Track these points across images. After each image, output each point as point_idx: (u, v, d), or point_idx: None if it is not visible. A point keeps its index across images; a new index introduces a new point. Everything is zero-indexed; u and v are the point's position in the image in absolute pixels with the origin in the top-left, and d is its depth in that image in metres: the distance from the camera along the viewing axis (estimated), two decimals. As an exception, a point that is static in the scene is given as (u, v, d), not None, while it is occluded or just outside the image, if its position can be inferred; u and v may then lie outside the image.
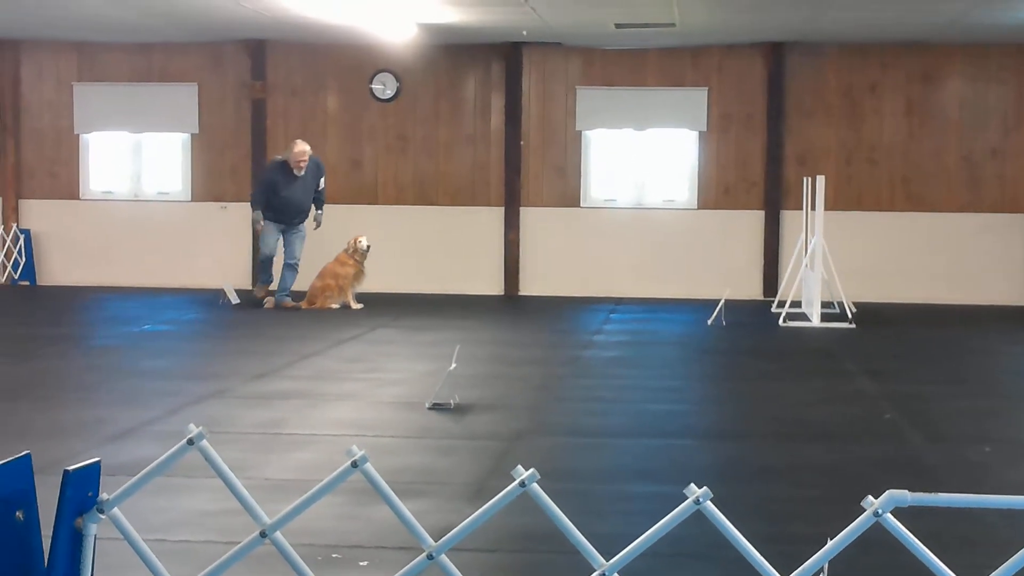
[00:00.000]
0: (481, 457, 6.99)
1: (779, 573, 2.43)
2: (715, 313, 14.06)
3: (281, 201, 15.17)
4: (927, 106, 17.10)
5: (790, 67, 17.17)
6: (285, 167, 15.15)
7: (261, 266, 15.59)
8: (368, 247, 15.41)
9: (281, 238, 15.41)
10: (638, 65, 17.44)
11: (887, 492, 2.17)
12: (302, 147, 15.20)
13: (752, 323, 14.30)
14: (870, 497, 2.20)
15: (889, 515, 2.20)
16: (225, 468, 2.45)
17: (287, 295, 15.32)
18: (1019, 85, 16.91)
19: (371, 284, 16.83)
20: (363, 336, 12.72)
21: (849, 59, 17.09)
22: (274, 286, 15.47)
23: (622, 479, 6.66)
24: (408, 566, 2.41)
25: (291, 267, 15.40)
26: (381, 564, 4.85)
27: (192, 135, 18.13)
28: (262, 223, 15.28)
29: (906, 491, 2.18)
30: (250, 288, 16.27)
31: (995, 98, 16.99)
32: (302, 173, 15.15)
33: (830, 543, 2.25)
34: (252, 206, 15.52)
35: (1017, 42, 16.59)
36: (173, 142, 18.27)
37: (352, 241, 15.41)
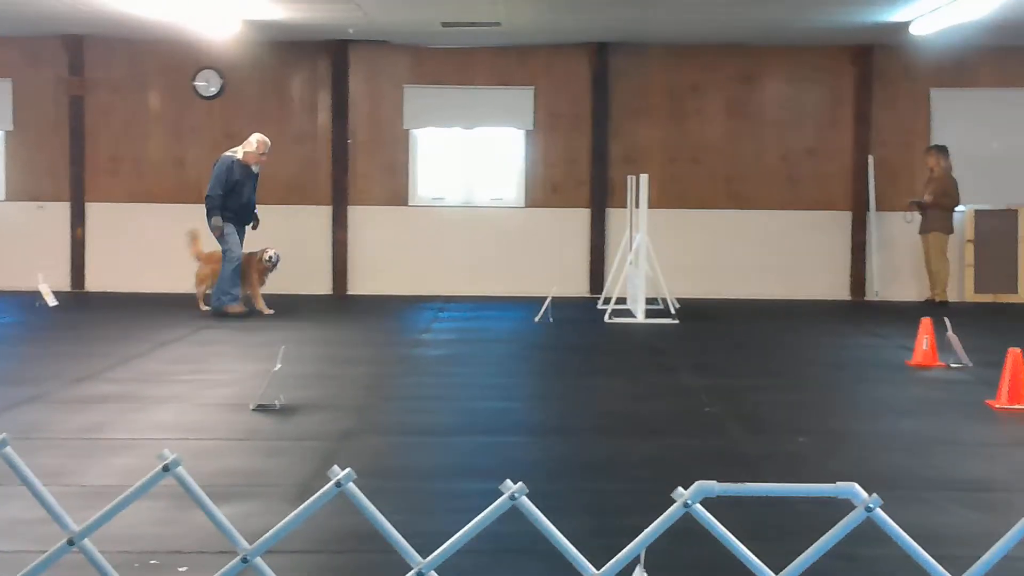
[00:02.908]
0: (308, 458, 6.92)
1: (601, 566, 2.45)
2: (542, 310, 14.19)
3: (242, 202, 14.31)
4: (747, 106, 17.53)
5: (615, 67, 17.43)
6: (241, 165, 14.27)
7: (232, 277, 14.24)
8: (270, 258, 14.61)
9: None
10: (466, 64, 17.49)
11: (696, 483, 2.22)
12: (265, 141, 14.47)
13: (579, 319, 14.46)
14: (680, 488, 2.24)
15: (699, 506, 2.24)
16: (29, 474, 2.37)
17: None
18: (834, 86, 17.46)
19: (192, 284, 16.55)
20: (188, 337, 12.49)
21: (672, 60, 17.41)
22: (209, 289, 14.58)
23: (451, 477, 6.67)
24: (222, 570, 2.37)
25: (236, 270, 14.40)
26: (201, 569, 4.76)
27: (7, 132, 17.55)
28: (224, 228, 14.14)
29: (714, 482, 2.23)
30: (71, 290, 15.80)
31: (811, 98, 17.52)
32: (258, 170, 14.52)
33: (641, 535, 2.28)
34: (211, 211, 14.12)
35: (832, 44, 17.13)
36: (-13, 139, 17.67)
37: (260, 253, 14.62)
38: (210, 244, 14.57)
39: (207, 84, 17.45)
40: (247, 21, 15.30)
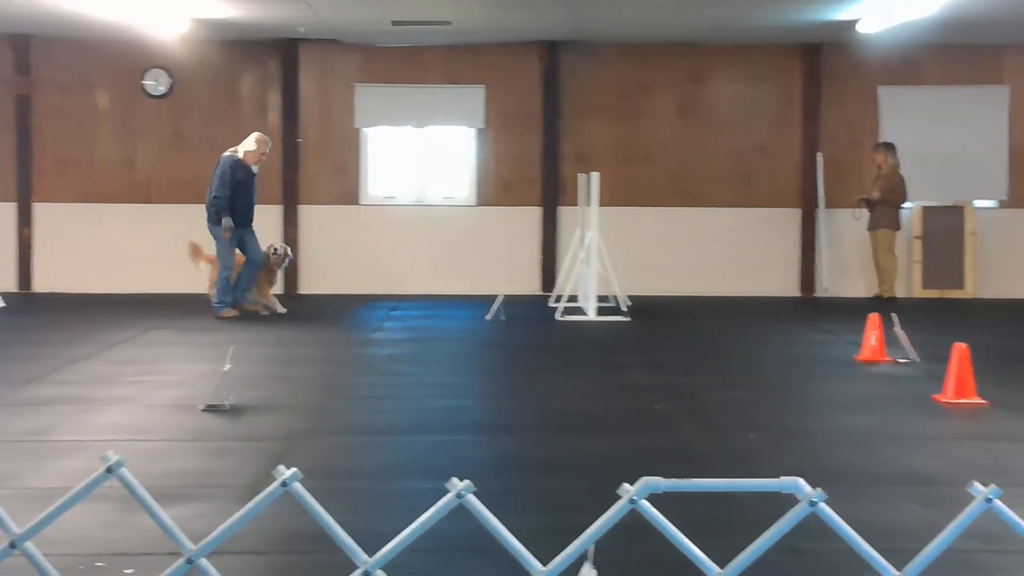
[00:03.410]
0: (258, 458, 6.89)
1: (550, 564, 2.46)
2: (494, 308, 14.19)
3: (245, 202, 14.06)
4: (698, 105, 17.61)
5: (566, 66, 17.46)
6: (242, 165, 14.01)
7: (226, 285, 13.99)
8: (276, 251, 14.46)
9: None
10: (417, 62, 17.46)
11: (641, 479, 2.22)
12: (266, 139, 14.24)
13: (531, 317, 14.48)
14: (626, 484, 2.25)
15: (645, 501, 2.25)
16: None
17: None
18: (783, 84, 17.57)
19: (144, 285, 16.48)
20: (137, 338, 12.39)
21: (623, 59, 17.47)
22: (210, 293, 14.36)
23: (402, 476, 6.66)
24: (167, 571, 2.35)
25: (257, 264, 14.19)
26: (148, 571, 4.73)
27: (-48, 132, 17.38)
28: (231, 231, 13.84)
29: (660, 478, 2.24)
30: (18, 291, 15.63)
31: (761, 97, 17.62)
32: (257, 169, 14.29)
33: (586, 532, 2.29)
34: (220, 212, 13.79)
35: (781, 43, 17.24)
36: (-68, 139, 17.44)
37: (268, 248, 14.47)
38: (212, 248, 14.38)
39: (156, 83, 17.33)
40: (196, 20, 15.21)
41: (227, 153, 14.17)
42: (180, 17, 14.85)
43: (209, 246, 14.36)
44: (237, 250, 14.13)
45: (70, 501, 2.41)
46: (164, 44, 16.64)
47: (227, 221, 13.82)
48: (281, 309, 14.39)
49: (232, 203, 13.88)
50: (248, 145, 14.13)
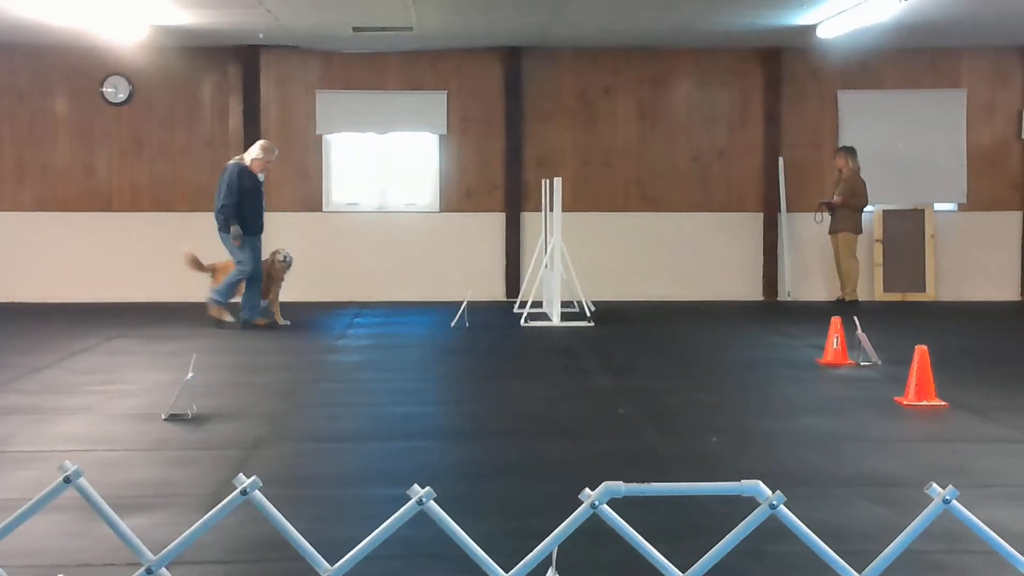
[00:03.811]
0: (220, 467, 6.85)
1: (513, 569, 2.45)
2: (458, 315, 14.18)
3: (254, 210, 13.89)
4: (658, 109, 17.67)
5: (527, 71, 17.48)
6: (249, 172, 13.80)
7: (231, 285, 13.83)
8: (284, 259, 14.26)
9: None
10: (378, 68, 17.44)
11: (603, 484, 2.23)
12: (272, 147, 14.05)
13: (495, 323, 14.48)
14: (587, 489, 2.25)
15: (606, 506, 2.25)
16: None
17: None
18: (743, 88, 17.65)
19: (106, 294, 16.41)
20: (99, 347, 12.31)
21: (583, 63, 17.51)
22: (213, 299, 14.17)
23: (366, 483, 6.63)
24: (126, 582, 2.34)
25: (257, 277, 14.01)
26: (110, 581, 4.70)
27: (-91, 140, 17.21)
28: (240, 239, 13.64)
29: (621, 483, 2.24)
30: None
31: (722, 101, 17.70)
32: (263, 177, 14.12)
33: (548, 537, 2.29)
34: (229, 220, 13.59)
35: (741, 47, 17.33)
36: None
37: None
38: (210, 257, 14.24)
39: (115, 90, 17.24)
40: (155, 26, 15.13)
41: (232, 161, 13.98)
42: (139, 24, 14.77)
43: (211, 255, 14.21)
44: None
45: (28, 512, 2.39)
46: (123, 51, 16.56)
47: (236, 229, 13.59)
48: (283, 321, 14.13)
49: (240, 211, 13.66)
50: (254, 153, 13.92)
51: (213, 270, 14.32)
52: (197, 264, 14.29)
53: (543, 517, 5.83)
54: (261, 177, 14.11)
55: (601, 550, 4.61)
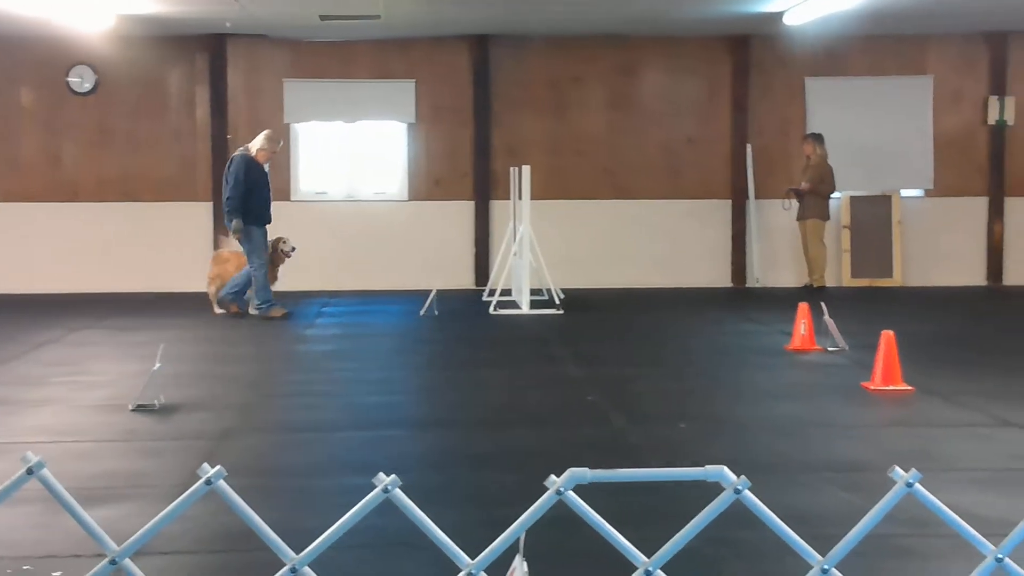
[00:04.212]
0: (188, 457, 6.82)
1: (478, 557, 2.45)
2: (427, 303, 14.17)
3: (261, 201, 13.67)
4: (628, 97, 17.68)
5: (496, 59, 17.46)
6: (256, 164, 13.62)
7: (264, 283, 13.71)
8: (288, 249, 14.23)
9: None
10: (346, 57, 17.39)
11: (568, 470, 2.23)
12: (276, 138, 13.87)
13: (464, 312, 14.48)
14: (553, 476, 2.25)
15: (572, 493, 2.25)
16: None
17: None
18: (712, 76, 17.68)
19: (69, 284, 16.33)
20: (65, 338, 12.24)
21: (553, 52, 17.50)
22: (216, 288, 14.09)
23: (337, 473, 6.63)
24: (91, 572, 2.32)
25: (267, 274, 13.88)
26: (76, 572, 4.67)
27: None
28: (240, 232, 13.48)
29: (586, 469, 2.24)
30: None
31: (690, 89, 17.72)
32: (267, 167, 13.93)
33: (513, 525, 2.29)
34: (232, 213, 13.40)
35: (709, 35, 17.35)
36: None
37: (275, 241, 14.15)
38: (194, 246, 14.12)
39: (81, 80, 17.12)
40: (121, 16, 15.02)
41: (239, 152, 13.78)
42: (105, 13, 14.66)
43: (190, 245, 14.13)
44: (238, 251, 13.90)
45: (-10, 504, 2.37)
46: (89, 40, 16.44)
47: (237, 223, 13.43)
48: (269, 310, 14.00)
49: (247, 203, 13.49)
50: (259, 143, 13.73)
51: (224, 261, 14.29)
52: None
53: (512, 505, 5.83)
54: (266, 167, 13.94)
55: (570, 537, 4.62)
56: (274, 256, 14.04)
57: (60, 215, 17.11)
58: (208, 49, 17.15)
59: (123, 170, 17.23)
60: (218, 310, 14.06)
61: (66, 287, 16.77)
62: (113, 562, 2.35)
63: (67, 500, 2.37)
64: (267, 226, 13.86)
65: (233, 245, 14.05)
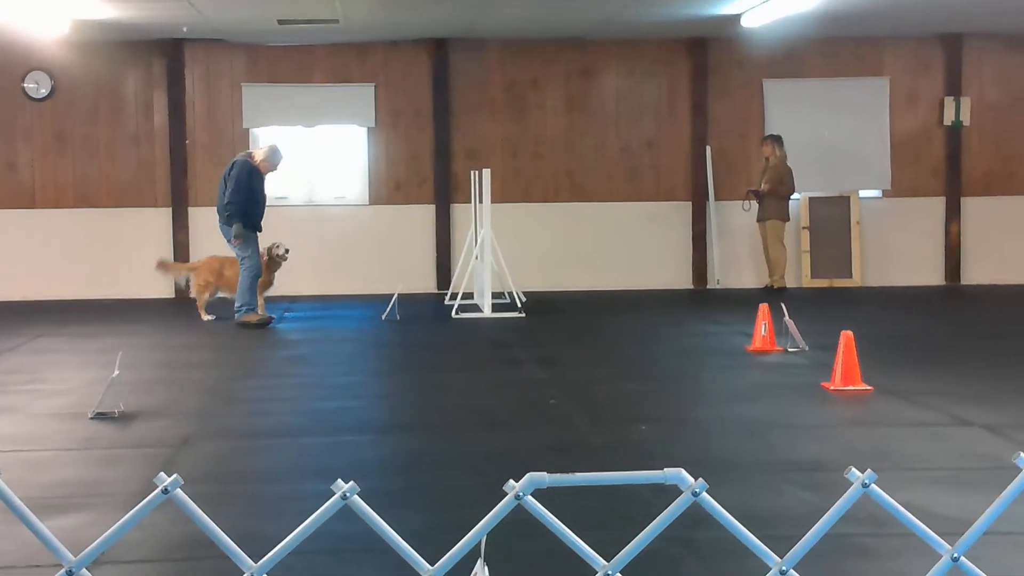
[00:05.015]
0: (148, 465, 6.78)
1: (437, 563, 2.45)
2: (389, 307, 14.15)
3: (259, 209, 13.61)
4: (587, 100, 17.72)
5: (455, 63, 17.45)
6: (258, 173, 13.54)
7: (251, 287, 13.57)
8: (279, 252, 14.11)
9: None
10: (305, 61, 17.34)
11: (527, 475, 2.23)
12: (280, 151, 13.75)
13: (426, 316, 14.47)
14: (511, 481, 2.25)
15: (531, 497, 2.25)
16: None
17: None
18: (670, 78, 17.74)
19: (27, 291, 16.20)
20: (24, 346, 12.13)
21: (511, 55, 17.51)
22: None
23: (296, 478, 6.60)
24: (47, 584, 2.31)
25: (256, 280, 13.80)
26: (35, 584, 4.64)
27: None
28: (240, 237, 13.36)
29: (545, 473, 2.24)
30: None
31: (649, 91, 17.78)
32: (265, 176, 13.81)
33: (473, 530, 2.28)
34: (232, 218, 13.30)
35: (667, 37, 17.42)
36: None
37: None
38: (186, 257, 13.95)
39: (37, 86, 16.99)
40: (77, 21, 14.92)
41: (241, 157, 13.65)
42: (61, 18, 14.56)
43: (151, 252, 13.98)
44: (230, 257, 13.80)
45: (-57, 515, 2.35)
46: (45, 46, 16.32)
47: (238, 227, 13.33)
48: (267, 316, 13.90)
49: (245, 208, 13.39)
50: (263, 156, 13.61)
51: (192, 270, 14.16)
52: (170, 268, 14.15)
53: (474, 510, 5.81)
54: (267, 176, 13.83)
55: (531, 540, 4.61)
56: (270, 262, 13.97)
57: (17, 222, 16.96)
58: (165, 54, 17.06)
59: (80, 176, 17.12)
60: (206, 316, 13.97)
61: (24, 294, 16.63)
62: (69, 572, 2.33)
63: (22, 510, 2.35)
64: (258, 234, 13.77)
65: (225, 252, 13.92)
